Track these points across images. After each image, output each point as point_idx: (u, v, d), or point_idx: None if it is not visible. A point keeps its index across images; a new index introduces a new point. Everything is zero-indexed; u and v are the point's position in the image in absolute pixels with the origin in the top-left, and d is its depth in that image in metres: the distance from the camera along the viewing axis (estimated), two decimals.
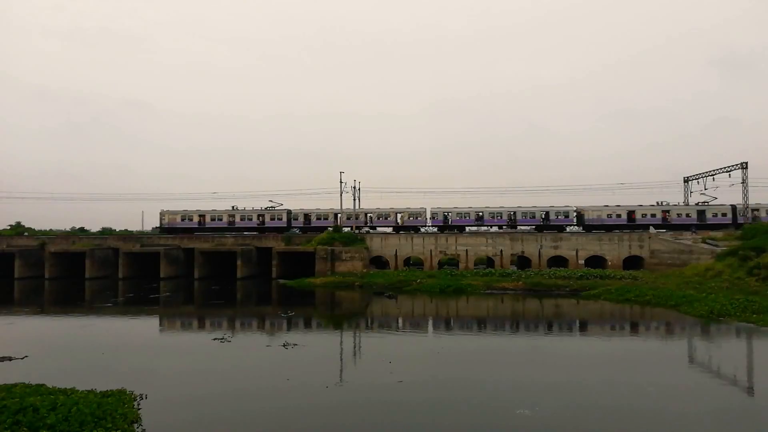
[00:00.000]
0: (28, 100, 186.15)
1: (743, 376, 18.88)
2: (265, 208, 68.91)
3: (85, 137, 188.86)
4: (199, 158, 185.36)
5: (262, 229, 66.49)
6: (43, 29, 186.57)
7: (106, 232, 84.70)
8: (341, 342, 26.14)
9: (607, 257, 54.64)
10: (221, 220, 68.48)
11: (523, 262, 57.70)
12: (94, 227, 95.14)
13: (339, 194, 64.21)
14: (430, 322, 31.74)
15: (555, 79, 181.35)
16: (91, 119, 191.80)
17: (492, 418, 14.08)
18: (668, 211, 61.80)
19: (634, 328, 29.67)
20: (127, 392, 15.29)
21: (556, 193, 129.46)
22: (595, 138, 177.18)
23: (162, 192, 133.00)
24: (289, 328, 28.57)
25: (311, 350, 22.71)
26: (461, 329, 29.00)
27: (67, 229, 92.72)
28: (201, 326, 31.77)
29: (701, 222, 59.93)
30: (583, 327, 29.92)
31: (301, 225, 67.32)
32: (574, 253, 55.17)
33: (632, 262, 53.99)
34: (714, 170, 62.66)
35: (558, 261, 55.60)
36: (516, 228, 63.07)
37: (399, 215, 65.56)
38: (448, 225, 64.06)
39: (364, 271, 52.77)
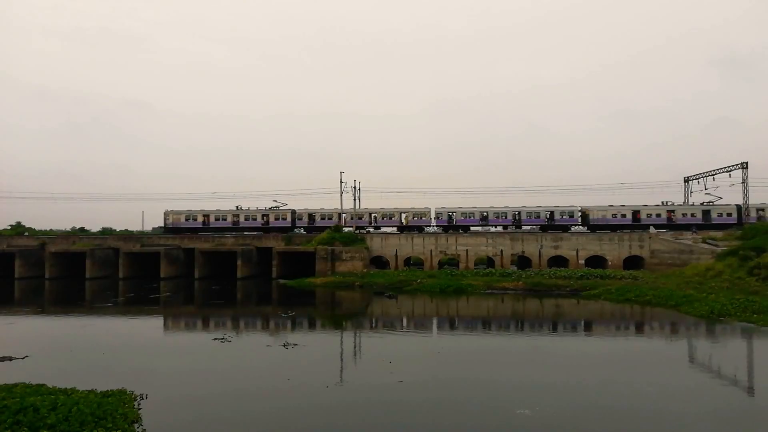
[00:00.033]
0: (28, 100, 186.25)
1: (743, 376, 18.88)
2: (270, 208, 68.83)
3: (85, 137, 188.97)
4: (199, 158, 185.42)
5: (266, 229, 66.40)
6: (43, 29, 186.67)
7: (106, 232, 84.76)
8: (341, 342, 26.15)
9: (607, 257, 54.62)
10: (225, 220, 68.36)
11: (523, 262, 57.70)
12: (95, 227, 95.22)
13: (339, 194, 64.34)
14: (431, 322, 31.73)
15: (555, 79, 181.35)
16: (91, 119, 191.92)
17: (492, 418, 14.09)
18: (673, 211, 61.64)
19: (635, 328, 29.66)
20: (128, 392, 15.30)
21: (556, 193, 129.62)
22: (595, 138, 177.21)
23: (162, 192, 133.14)
24: (289, 328, 28.58)
25: (312, 350, 22.72)
26: (461, 329, 29.00)
27: (68, 229, 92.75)
28: (201, 326, 31.78)
29: (706, 222, 59.64)
30: (584, 327, 29.91)
31: (306, 225, 67.08)
32: (574, 253, 55.16)
33: (632, 262, 53.98)
34: (714, 170, 62.65)
35: (558, 261, 55.59)
36: (521, 228, 62.99)
37: (403, 215, 65.45)
38: (453, 225, 63.90)
39: (365, 271, 52.77)
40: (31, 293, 48.03)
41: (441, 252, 57.07)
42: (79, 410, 12.83)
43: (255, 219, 67.78)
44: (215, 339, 24.45)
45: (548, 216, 62.74)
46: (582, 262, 54.33)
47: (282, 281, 51.86)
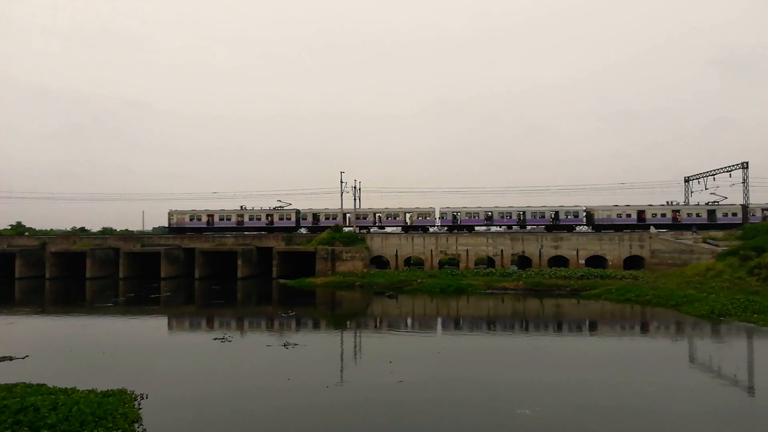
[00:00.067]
0: (28, 100, 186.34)
1: (744, 376, 18.86)
2: (274, 208, 68.77)
3: (85, 137, 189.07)
4: (200, 158, 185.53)
5: (270, 229, 66.38)
6: (43, 29, 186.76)
7: (106, 232, 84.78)
8: (342, 342, 26.15)
9: (607, 257, 54.62)
10: (230, 219, 68.31)
11: (523, 261, 57.70)
12: (95, 227, 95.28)
13: (339, 194, 64.38)
14: (431, 322, 31.72)
15: (555, 79, 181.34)
16: (91, 119, 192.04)
17: (492, 417, 14.08)
18: (678, 211, 61.53)
19: (635, 328, 29.65)
20: (128, 392, 15.31)
21: (556, 193, 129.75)
22: (596, 138, 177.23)
23: (163, 192, 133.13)
24: (289, 328, 28.59)
25: (312, 350, 22.72)
26: (462, 329, 29.00)
27: (68, 229, 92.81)
28: (202, 326, 31.77)
29: (711, 222, 59.57)
30: (584, 327, 29.90)
31: (310, 225, 66.89)
32: (574, 253, 55.16)
33: (633, 262, 53.98)
34: (715, 170, 62.68)
35: (558, 261, 55.59)
36: (525, 228, 62.92)
37: (408, 215, 65.33)
38: (457, 225, 63.75)
39: (365, 271, 52.78)
40: (32, 293, 48.05)
41: (441, 252, 57.07)
42: (79, 410, 12.85)
43: (259, 219, 67.71)
44: (215, 339, 24.46)
45: (553, 216, 62.61)
46: (582, 262, 54.33)
47: (282, 281, 51.87)
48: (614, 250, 54.74)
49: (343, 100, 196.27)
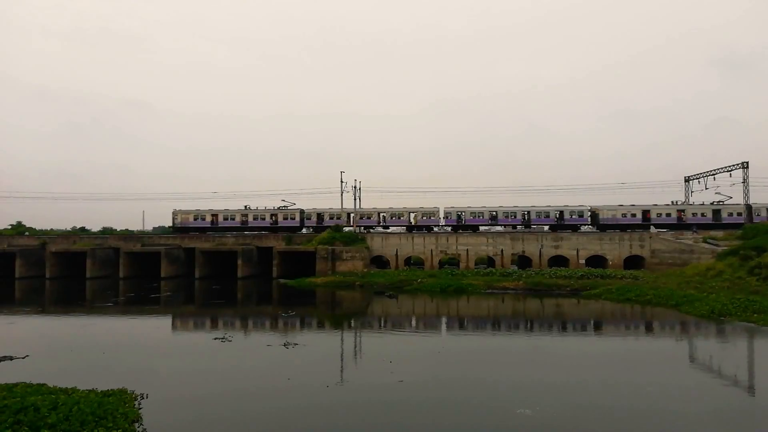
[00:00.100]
0: (28, 100, 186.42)
1: (744, 376, 18.86)
2: (278, 208, 68.69)
3: (85, 137, 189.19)
4: (199, 158, 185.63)
5: (274, 229, 66.29)
6: (43, 29, 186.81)
7: (106, 232, 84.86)
8: (342, 341, 26.15)
9: (607, 257, 54.60)
10: (234, 219, 68.22)
11: (523, 261, 57.68)
12: (95, 227, 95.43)
13: (340, 194, 64.35)
14: (431, 322, 31.71)
15: (555, 79, 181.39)
16: (91, 119, 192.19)
17: (493, 417, 14.08)
18: (683, 211, 61.40)
19: (635, 327, 29.64)
20: (128, 392, 15.30)
21: (557, 193, 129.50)
22: (596, 138, 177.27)
23: (163, 192, 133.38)
24: (290, 328, 28.59)
25: (312, 350, 22.72)
26: (462, 329, 29.01)
27: (68, 228, 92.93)
28: (202, 326, 31.79)
29: (716, 221, 59.37)
30: (584, 327, 29.89)
31: (314, 224, 66.66)
32: (574, 252, 55.15)
33: (633, 262, 53.96)
34: (715, 170, 62.60)
35: (559, 261, 55.57)
36: (530, 228, 62.78)
37: (412, 215, 65.23)
38: (462, 225, 63.57)
39: (365, 270, 52.77)
40: (32, 293, 48.06)
41: (441, 252, 57.05)
42: (79, 410, 12.85)
43: (263, 219, 67.62)
44: (216, 338, 24.46)
45: (558, 216, 62.47)
46: (582, 261, 54.32)
47: (282, 281, 51.87)
48: (614, 249, 54.71)
49: (343, 100, 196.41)
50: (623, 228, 59.45)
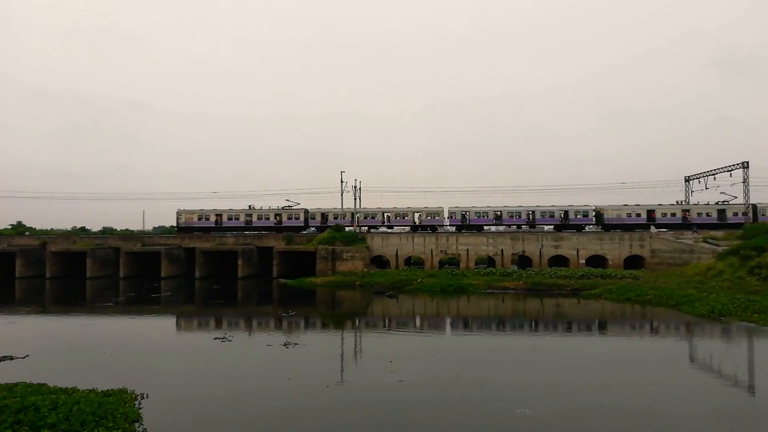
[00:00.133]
0: (28, 100, 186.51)
1: (744, 376, 18.86)
2: (282, 208, 68.64)
3: (86, 137, 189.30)
4: (199, 158, 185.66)
5: (279, 229, 66.23)
6: (43, 29, 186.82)
7: (107, 232, 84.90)
8: (342, 341, 26.14)
9: (607, 257, 54.59)
10: (238, 219, 68.14)
11: (523, 261, 57.66)
12: (95, 227, 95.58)
13: (340, 193, 64.35)
14: (431, 322, 31.70)
15: (555, 80, 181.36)
16: (92, 119, 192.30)
17: (493, 417, 14.08)
18: (688, 210, 61.27)
19: (635, 327, 29.64)
20: (128, 392, 15.31)
21: (557, 193, 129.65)
22: (596, 138, 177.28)
23: (163, 191, 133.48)
24: (290, 328, 28.59)
25: (312, 350, 22.73)
26: (462, 329, 29.00)
27: (68, 228, 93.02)
28: (202, 325, 31.80)
29: (722, 221, 59.26)
30: (584, 326, 29.88)
31: (318, 224, 66.46)
32: (574, 252, 55.13)
33: (633, 262, 53.95)
34: (715, 170, 62.56)
35: (559, 260, 55.57)
36: (535, 228, 62.65)
37: (417, 214, 65.13)
38: (467, 225, 63.39)
39: (365, 270, 52.76)
40: (32, 293, 48.08)
41: (441, 251, 57.04)
42: (79, 409, 12.85)
43: (267, 218, 67.56)
44: (216, 338, 24.47)
45: (562, 215, 62.36)
46: (582, 261, 54.31)
47: (282, 281, 51.87)
48: (614, 249, 54.70)
49: (342, 101, 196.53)
50: (628, 228, 59.27)
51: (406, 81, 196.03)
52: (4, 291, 48.68)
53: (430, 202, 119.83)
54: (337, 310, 38.40)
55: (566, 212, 62.43)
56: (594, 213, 62.70)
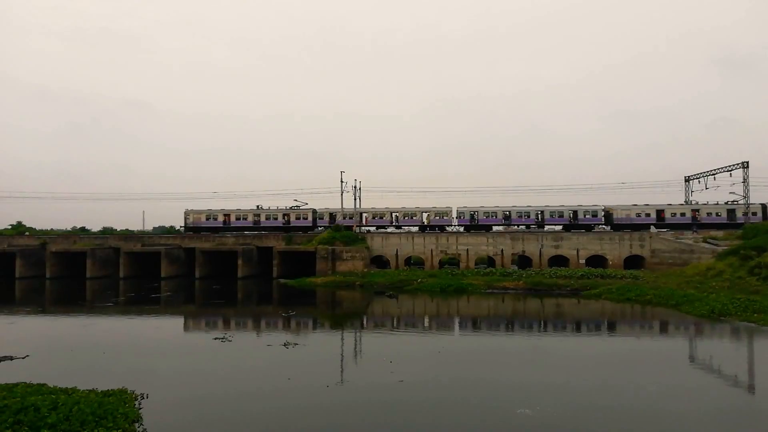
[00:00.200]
0: (28, 100, 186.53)
1: (744, 376, 18.86)
2: (290, 207, 68.52)
3: (86, 137, 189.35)
4: (200, 158, 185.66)
5: (287, 228, 66.17)
6: (43, 29, 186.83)
7: (107, 232, 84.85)
8: (342, 341, 26.14)
9: (607, 257, 54.58)
10: (246, 219, 68.00)
11: (523, 261, 57.67)
12: (95, 227, 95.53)
13: (340, 194, 64.34)
14: (431, 322, 31.70)
15: (555, 80, 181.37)
16: (92, 120, 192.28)
17: (493, 417, 14.07)
18: (698, 210, 61.11)
19: (635, 327, 29.64)
20: (128, 392, 15.30)
21: (558, 192, 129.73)
22: (596, 139, 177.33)
23: (162, 192, 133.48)
24: (290, 328, 28.58)
25: (312, 350, 22.73)
26: (462, 329, 29.00)
27: (68, 228, 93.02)
28: (202, 326, 31.80)
29: (731, 221, 59.02)
30: (584, 327, 29.88)
31: (327, 224, 66.11)
32: (574, 252, 55.13)
33: (633, 262, 53.95)
34: (715, 169, 62.54)
35: (559, 260, 55.57)
36: (543, 228, 62.48)
37: (425, 214, 64.97)
38: (475, 225, 63.19)
39: (365, 270, 52.76)
40: (32, 293, 48.07)
41: (441, 251, 57.04)
42: (79, 410, 12.84)
43: (276, 218, 67.44)
44: (216, 338, 24.46)
45: (572, 215, 62.15)
46: (582, 261, 54.30)
47: (282, 281, 51.87)
48: (614, 249, 54.70)
49: (343, 101, 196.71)
50: (637, 228, 59.13)
51: (406, 81, 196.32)
52: (4, 291, 48.68)
53: (430, 203, 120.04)
54: (337, 311, 38.40)
55: (575, 212, 62.21)
56: (603, 213, 62.41)
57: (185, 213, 69.29)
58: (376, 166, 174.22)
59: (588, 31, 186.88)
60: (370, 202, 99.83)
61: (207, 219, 68.40)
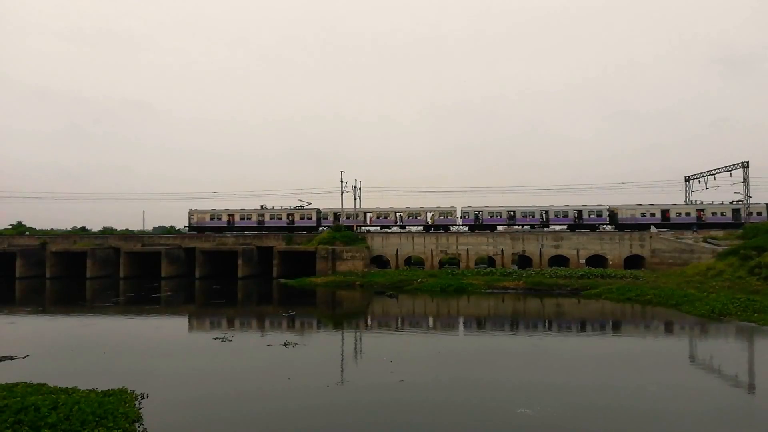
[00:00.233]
0: (28, 101, 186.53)
1: (744, 376, 18.85)
2: (295, 208, 68.48)
3: (86, 137, 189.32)
4: (199, 158, 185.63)
5: (291, 228, 66.15)
6: (43, 29, 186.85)
7: (107, 232, 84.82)
8: (342, 341, 26.13)
9: (608, 256, 54.57)
10: (250, 219, 67.98)
11: (524, 261, 57.67)
12: (95, 227, 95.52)
13: (340, 194, 64.31)
14: (431, 322, 31.70)
15: (556, 81, 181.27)
16: (92, 120, 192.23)
17: (493, 417, 14.07)
18: (703, 210, 61.02)
19: (635, 327, 29.62)
20: (129, 391, 15.30)
21: (558, 192, 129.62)
22: (597, 140, 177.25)
23: (163, 192, 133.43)
24: (290, 328, 28.58)
25: (312, 349, 22.73)
26: (462, 329, 28.99)
27: (69, 228, 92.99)
28: (202, 325, 31.80)
29: (736, 221, 58.82)
30: (584, 326, 29.87)
31: (331, 224, 65.83)
32: (575, 252, 55.12)
33: (633, 262, 53.94)
34: (715, 169, 62.49)
35: (559, 260, 55.56)
36: (548, 228, 62.41)
37: (429, 214, 64.86)
38: (480, 225, 63.09)
39: (365, 270, 52.76)
40: (32, 293, 48.08)
41: (441, 251, 57.04)
42: (80, 409, 12.84)
43: (280, 218, 67.43)
44: (216, 338, 24.46)
45: (576, 215, 62.01)
46: (583, 261, 54.30)
47: (283, 281, 51.86)
48: (615, 249, 54.69)
49: (343, 101, 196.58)
50: (642, 228, 59.04)
51: (406, 81, 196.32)
52: (5, 291, 48.68)
53: (430, 202, 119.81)
54: (337, 310, 38.39)
55: (580, 212, 62.06)
56: (608, 212, 62.30)
57: (189, 213, 69.25)
58: (376, 166, 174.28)
59: (588, 32, 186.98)
60: (371, 202, 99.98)
61: (211, 219, 68.37)
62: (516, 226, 62.72)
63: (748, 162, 58.77)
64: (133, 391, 15.40)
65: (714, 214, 60.57)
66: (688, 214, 60.76)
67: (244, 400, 15.55)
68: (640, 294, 36.35)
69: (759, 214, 58.95)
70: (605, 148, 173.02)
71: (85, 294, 46.46)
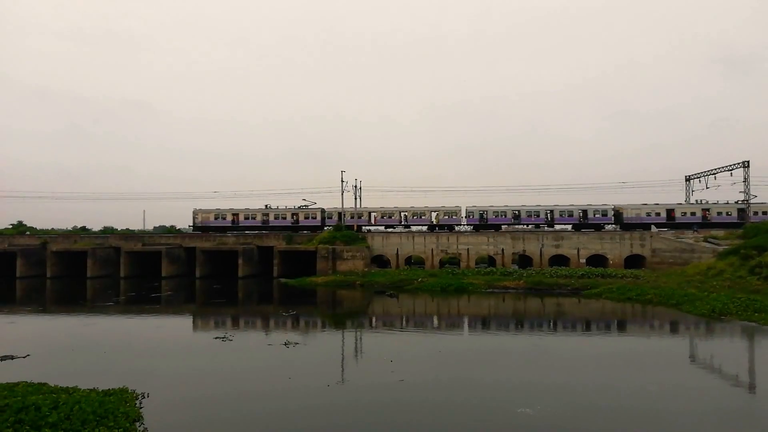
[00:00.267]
0: (28, 101, 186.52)
1: (745, 376, 18.84)
2: (299, 207, 68.41)
3: (86, 138, 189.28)
4: (200, 158, 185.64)
5: (295, 228, 66.11)
6: (43, 29, 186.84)
7: (107, 231, 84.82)
8: (342, 341, 26.14)
9: (608, 256, 54.56)
10: (255, 218, 67.95)
11: (524, 261, 57.66)
12: (96, 226, 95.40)
13: (340, 193, 64.32)
14: (432, 322, 31.70)
15: (557, 80, 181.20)
16: (92, 120, 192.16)
17: (493, 417, 14.08)
18: (708, 210, 60.88)
19: (636, 327, 29.63)
20: (129, 391, 15.30)
21: (558, 192, 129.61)
22: (597, 140, 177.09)
23: (163, 191, 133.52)
24: (290, 327, 28.59)
25: (313, 349, 22.74)
26: (463, 328, 28.99)
27: (69, 228, 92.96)
28: (202, 325, 31.81)
29: (741, 220, 58.65)
30: (585, 326, 29.87)
31: (335, 224, 65.74)
32: (575, 252, 55.12)
33: (634, 261, 53.93)
34: (715, 169, 62.49)
35: (559, 260, 55.56)
36: (554, 227, 62.29)
37: (434, 214, 64.76)
38: (485, 224, 62.97)
39: (366, 270, 52.77)
40: (33, 292, 48.11)
41: (442, 251, 57.05)
42: (80, 409, 12.85)
43: (285, 218, 67.40)
44: (216, 338, 24.47)
45: (581, 215, 61.90)
46: (583, 261, 54.29)
47: (283, 280, 51.88)
48: (615, 249, 54.67)
49: (343, 101, 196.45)
50: (647, 227, 58.89)
51: (406, 81, 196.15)
52: (5, 290, 48.70)
53: (431, 202, 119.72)
54: (338, 310, 38.41)
55: (585, 211, 61.94)
56: (613, 212, 62.18)
57: (194, 212, 69.25)
58: (377, 166, 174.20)
59: (588, 32, 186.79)
60: (371, 201, 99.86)
61: (215, 218, 68.37)
62: (519, 226, 62.60)
63: (748, 161, 58.80)
64: (134, 391, 15.40)
65: (719, 213, 60.37)
66: (693, 214, 60.58)
67: (244, 399, 15.56)
68: (640, 293, 36.35)
69: (765, 213, 58.66)
70: (605, 148, 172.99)
71: (85, 293, 46.49)
